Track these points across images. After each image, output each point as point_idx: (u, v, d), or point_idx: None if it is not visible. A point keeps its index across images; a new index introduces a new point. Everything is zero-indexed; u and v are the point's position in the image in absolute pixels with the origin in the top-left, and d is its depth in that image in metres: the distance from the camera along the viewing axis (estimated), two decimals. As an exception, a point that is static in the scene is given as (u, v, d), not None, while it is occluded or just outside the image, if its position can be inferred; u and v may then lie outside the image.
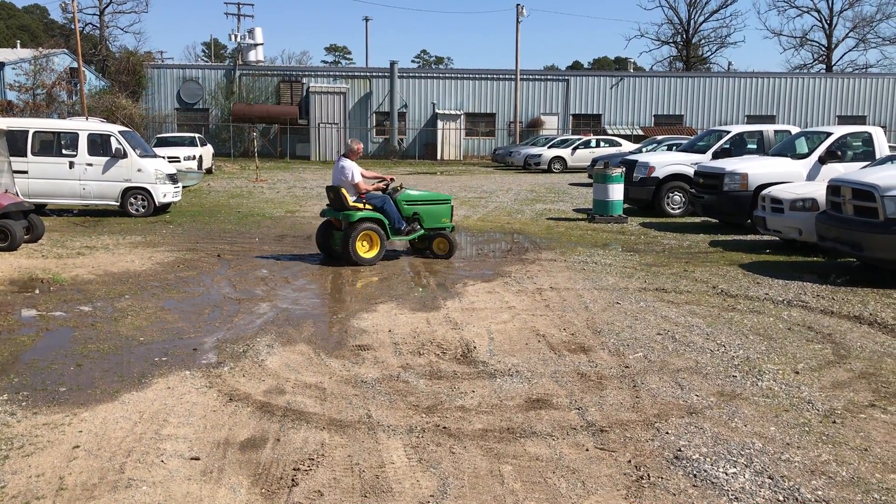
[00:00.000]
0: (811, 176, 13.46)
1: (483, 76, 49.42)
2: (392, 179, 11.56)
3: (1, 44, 64.56)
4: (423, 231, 11.26)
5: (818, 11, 65.43)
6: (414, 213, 11.17)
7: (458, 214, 17.33)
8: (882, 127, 17.11)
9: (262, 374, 5.99)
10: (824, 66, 64.19)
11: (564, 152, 35.49)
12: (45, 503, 3.89)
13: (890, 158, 12.68)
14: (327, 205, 11.30)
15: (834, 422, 5.02)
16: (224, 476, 4.22)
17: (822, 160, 13.56)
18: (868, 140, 14.13)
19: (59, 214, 16.73)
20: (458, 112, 47.89)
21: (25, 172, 15.37)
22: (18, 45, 52.37)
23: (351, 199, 10.79)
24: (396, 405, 5.32)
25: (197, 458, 4.42)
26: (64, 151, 16.30)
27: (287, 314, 7.95)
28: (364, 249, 10.73)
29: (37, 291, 8.98)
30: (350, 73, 50.30)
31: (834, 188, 10.20)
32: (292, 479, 4.18)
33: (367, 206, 10.84)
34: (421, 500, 3.96)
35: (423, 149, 47.80)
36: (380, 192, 11.14)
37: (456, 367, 6.22)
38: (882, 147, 13.94)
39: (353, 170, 10.86)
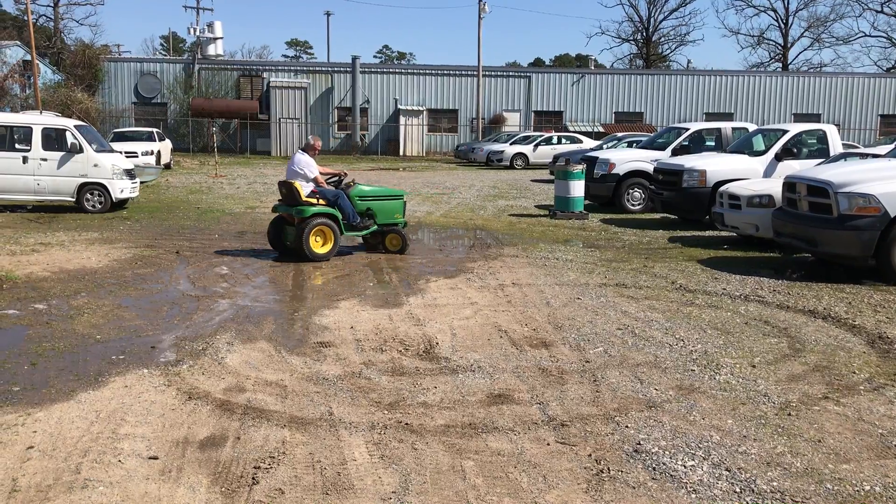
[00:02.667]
0: (768, 173, 13.70)
1: (445, 72, 49.39)
2: (345, 174, 11.56)
3: (-49, 35, 62.86)
4: (376, 227, 11.23)
5: (774, 11, 66.91)
6: (367, 209, 11.14)
7: (421, 210, 17.34)
8: (836, 125, 17.46)
9: (221, 371, 5.93)
10: (780, 65, 65.43)
11: (526, 149, 35.68)
12: (-2, 505, 3.81)
13: (843, 156, 12.98)
14: (279, 200, 11.12)
15: (789, 414, 5.11)
16: (183, 475, 4.16)
17: (779, 157, 13.81)
18: (822, 138, 14.41)
19: (13, 210, 16.35)
20: (421, 108, 47.83)
21: (-23, 167, 15.02)
22: (-31, 37, 51.01)
23: (304, 194, 10.70)
24: (358, 402, 5.30)
25: (155, 458, 4.36)
26: (17, 146, 15.92)
27: (247, 311, 7.87)
28: (318, 245, 10.66)
29: (-11, 289, 8.77)
30: (311, 68, 49.92)
31: (789, 185, 10.39)
32: (253, 478, 4.14)
33: (321, 202, 10.77)
34: (383, 497, 3.96)
35: (386, 145, 47.65)
36: (332, 188, 11.10)
37: (418, 363, 6.21)
38: (835, 144, 14.25)
39: (311, 165, 10.87)
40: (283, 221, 11.08)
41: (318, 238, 10.66)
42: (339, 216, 10.76)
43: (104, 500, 3.88)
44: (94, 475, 4.13)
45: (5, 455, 4.36)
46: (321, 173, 11.14)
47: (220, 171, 29.04)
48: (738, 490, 4.05)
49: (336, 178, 11.42)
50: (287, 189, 10.71)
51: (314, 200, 10.73)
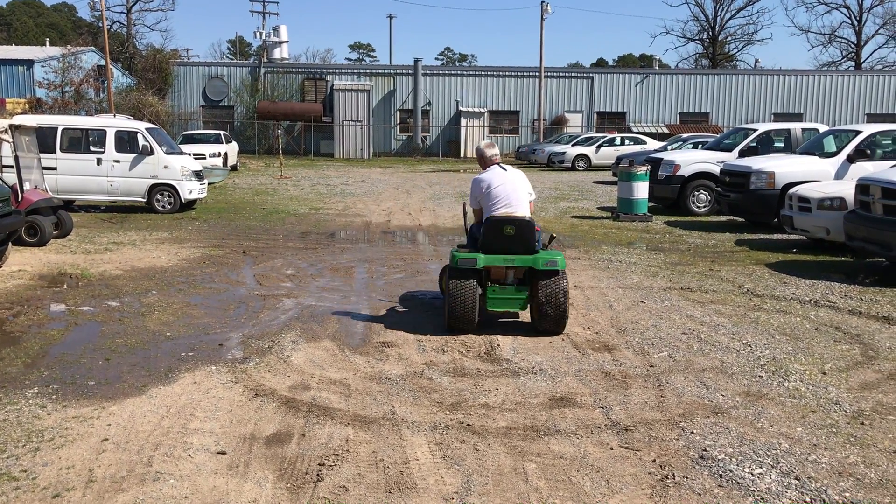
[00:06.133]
0: (839, 175, 13.29)
1: (507, 74, 49.32)
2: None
3: (30, 42, 65.44)
4: None
5: (847, 8, 64.57)
6: None
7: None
8: (912, 125, 16.84)
9: (287, 369, 6.03)
10: (853, 64, 63.38)
11: (589, 150, 35.34)
12: (76, 495, 3.95)
13: (920, 157, 12.50)
14: (477, 246, 7.04)
15: (862, 423, 4.96)
16: (250, 470, 4.25)
17: (851, 159, 13.38)
18: (898, 138, 13.92)
19: (87, 210, 16.93)
20: (482, 109, 47.84)
21: (54, 169, 15.55)
22: (47, 43, 53.02)
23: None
24: (420, 402, 5.34)
25: (223, 453, 4.47)
26: (92, 148, 16.49)
27: (311, 311, 7.99)
28: None
29: (65, 286, 9.10)
30: (374, 71, 50.46)
31: (863, 187, 10.07)
32: (317, 475, 4.21)
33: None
34: (445, 497, 3.98)
35: (447, 146, 47.80)
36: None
37: (479, 364, 6.22)
38: (912, 145, 13.73)
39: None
40: (476, 277, 6.88)
41: None
42: None
43: (175, 492, 3.99)
44: (165, 468, 4.25)
45: (82, 447, 4.52)
46: None
47: (285, 173, 29.53)
48: (808, 500, 3.94)
49: None
50: (521, 230, 6.91)
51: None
